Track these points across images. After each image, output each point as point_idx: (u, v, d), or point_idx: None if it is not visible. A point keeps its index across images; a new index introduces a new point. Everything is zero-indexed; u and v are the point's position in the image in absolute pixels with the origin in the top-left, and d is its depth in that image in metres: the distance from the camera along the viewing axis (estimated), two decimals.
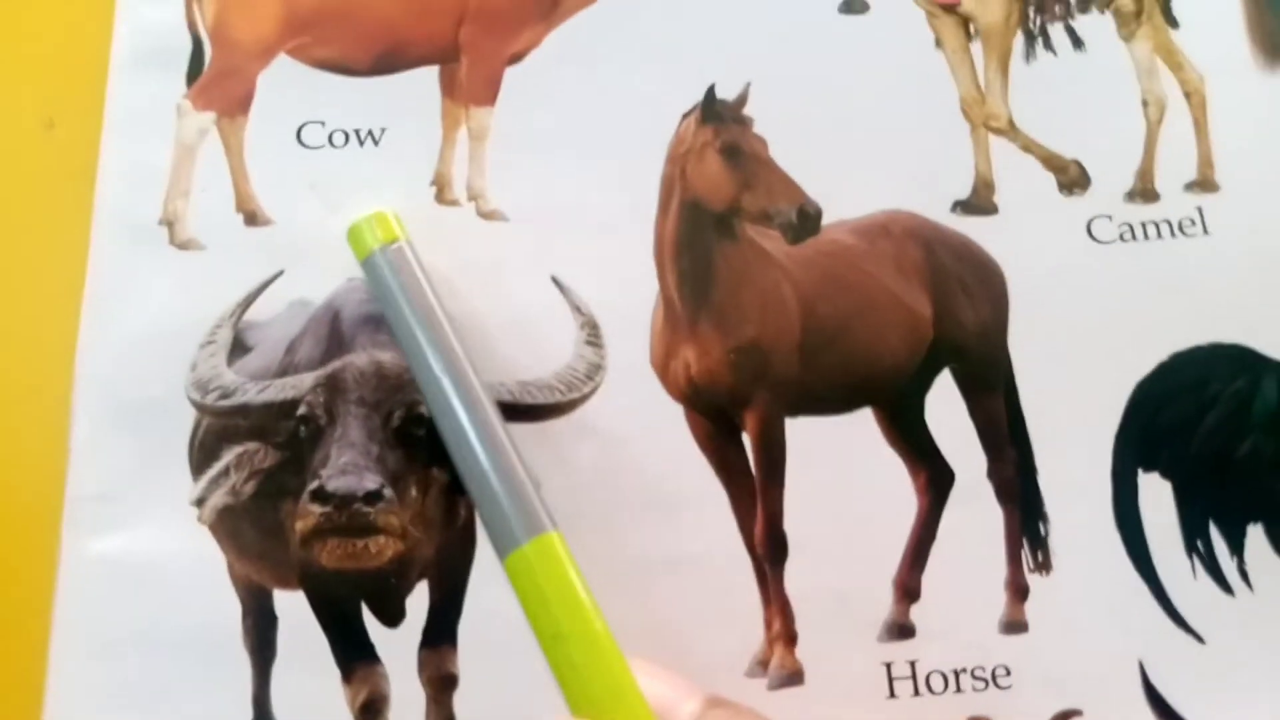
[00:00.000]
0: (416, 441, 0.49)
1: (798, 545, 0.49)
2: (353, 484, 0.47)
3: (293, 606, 0.48)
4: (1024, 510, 0.50)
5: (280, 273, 0.52)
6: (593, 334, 0.51)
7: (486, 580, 0.48)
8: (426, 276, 0.48)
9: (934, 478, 0.50)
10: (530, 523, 0.41)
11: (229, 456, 0.49)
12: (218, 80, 0.56)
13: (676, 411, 0.51)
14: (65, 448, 0.50)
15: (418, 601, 0.48)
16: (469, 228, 0.53)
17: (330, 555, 0.47)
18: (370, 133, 0.55)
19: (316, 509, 0.47)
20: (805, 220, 0.52)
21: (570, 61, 0.56)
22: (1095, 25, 0.58)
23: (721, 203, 0.52)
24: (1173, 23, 0.59)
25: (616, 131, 0.55)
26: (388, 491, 0.47)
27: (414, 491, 0.48)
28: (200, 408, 0.50)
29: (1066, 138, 0.56)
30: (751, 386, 0.51)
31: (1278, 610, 0.49)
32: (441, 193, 0.54)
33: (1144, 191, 0.55)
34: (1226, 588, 0.50)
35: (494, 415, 0.45)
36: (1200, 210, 0.55)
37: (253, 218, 0.54)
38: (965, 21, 0.58)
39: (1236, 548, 0.50)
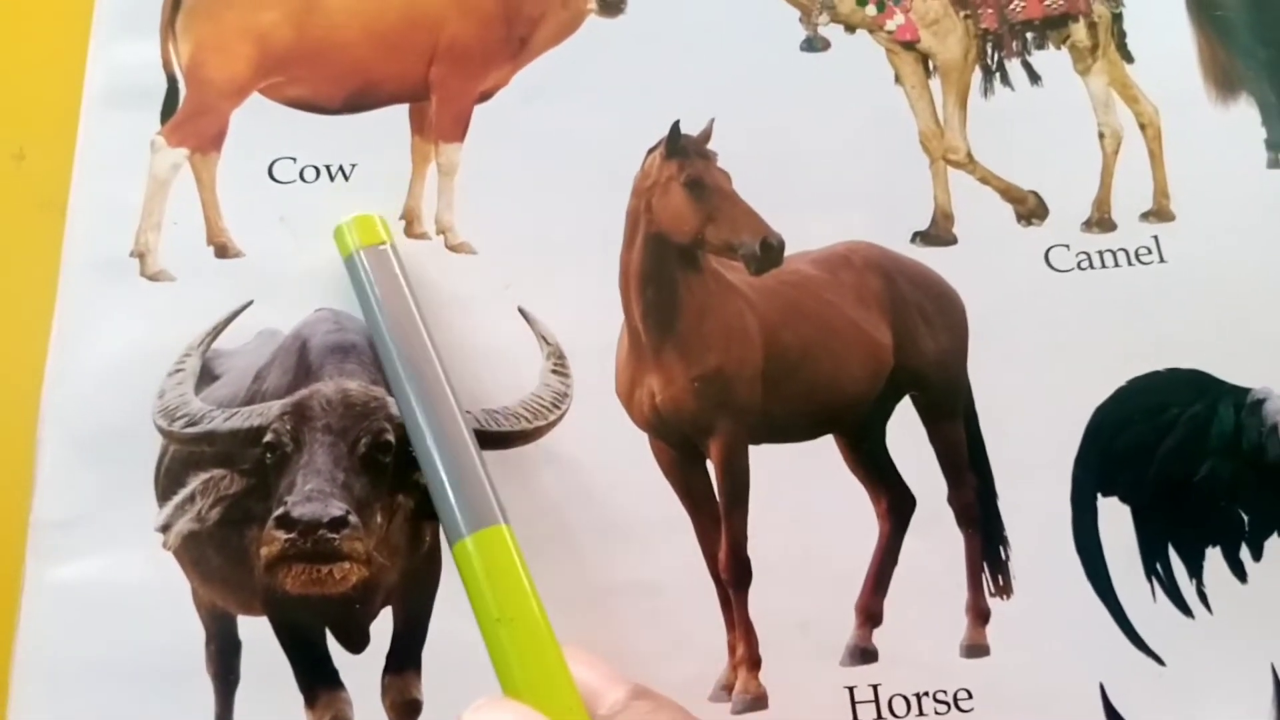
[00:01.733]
0: (382, 468, 0.49)
1: (761, 571, 0.49)
2: (318, 510, 0.48)
3: (256, 632, 0.48)
4: (985, 535, 0.51)
5: (249, 303, 0.53)
6: (559, 363, 0.52)
7: (451, 605, 0.48)
8: (407, 279, 0.49)
9: (895, 503, 0.51)
10: (479, 516, 0.42)
11: (195, 483, 0.50)
12: (192, 118, 0.57)
13: (641, 439, 0.51)
14: (31, 475, 0.50)
15: (381, 627, 0.49)
16: (438, 260, 0.54)
17: (295, 581, 0.47)
18: (341, 168, 0.56)
19: (282, 535, 0.47)
20: (768, 251, 0.53)
21: (537, 99, 0.57)
22: (1052, 61, 0.60)
23: (686, 235, 0.53)
24: (1128, 57, 0.60)
25: (582, 166, 0.56)
26: (353, 518, 0.48)
27: (379, 518, 0.49)
28: (167, 435, 0.50)
29: (1025, 169, 0.57)
30: (715, 415, 0.51)
31: (1236, 632, 0.50)
32: (411, 226, 0.55)
33: (1101, 221, 0.56)
34: (1186, 610, 0.50)
35: (458, 413, 0.46)
36: (1156, 239, 0.56)
37: (223, 250, 0.55)
38: (924, 58, 0.60)
39: (1195, 571, 0.51)
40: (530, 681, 0.40)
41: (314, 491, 0.48)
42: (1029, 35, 0.60)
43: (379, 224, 0.51)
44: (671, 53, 0.59)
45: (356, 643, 0.48)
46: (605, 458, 0.50)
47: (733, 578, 0.49)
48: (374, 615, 0.49)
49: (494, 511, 0.43)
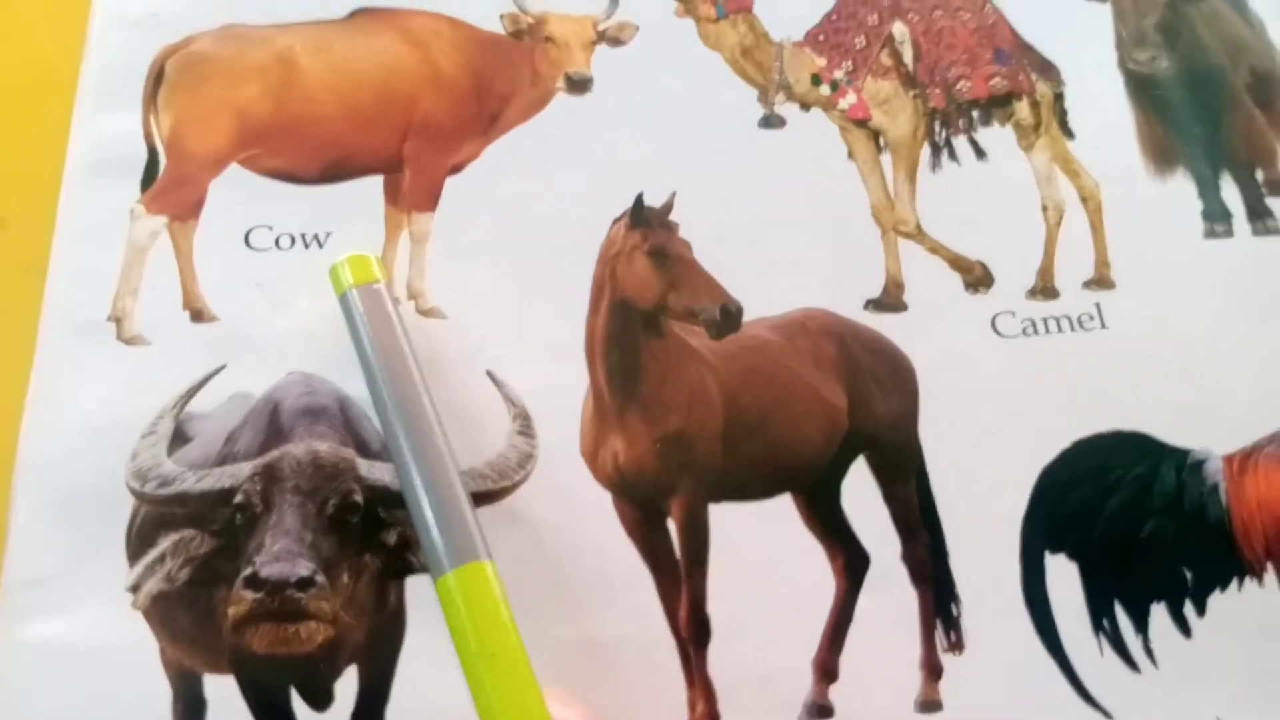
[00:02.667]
0: (350, 528, 0.50)
1: (721, 628, 0.51)
2: (286, 570, 0.48)
3: (222, 691, 0.49)
4: (937, 592, 0.52)
5: (223, 366, 0.54)
6: (525, 425, 0.53)
7: (415, 664, 0.49)
8: (399, 318, 0.50)
9: (850, 561, 0.52)
10: (462, 551, 0.43)
11: (165, 543, 0.50)
12: (171, 187, 0.59)
13: (605, 499, 0.53)
14: (3, 533, 0.51)
15: (346, 686, 0.49)
16: (410, 325, 0.55)
17: (261, 640, 0.48)
18: (316, 236, 0.58)
19: (250, 595, 0.48)
20: (728, 317, 0.55)
21: (507, 172, 0.60)
22: (997, 137, 0.63)
23: (649, 301, 0.55)
24: (1069, 134, 0.63)
25: (550, 236, 0.58)
26: (320, 578, 0.48)
27: (346, 578, 0.50)
28: (139, 496, 0.51)
29: (971, 240, 0.60)
30: (677, 475, 0.53)
31: (1182, 687, 0.51)
32: None
33: (1045, 289, 0.59)
34: (1133, 665, 0.52)
35: (444, 447, 0.46)
36: (1098, 306, 0.58)
37: (199, 315, 0.56)
38: (875, 135, 0.63)
39: (1141, 626, 0.52)
40: (509, 716, 0.40)
41: (282, 551, 0.49)
42: (975, 113, 0.63)
43: (374, 263, 0.53)
44: (636, 129, 0.61)
45: (321, 702, 0.49)
46: (569, 517, 0.52)
47: (693, 635, 0.50)
48: (339, 674, 0.49)
49: (477, 547, 0.44)
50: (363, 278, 0.52)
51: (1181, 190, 0.62)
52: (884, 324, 0.57)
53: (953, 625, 0.52)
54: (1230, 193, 0.62)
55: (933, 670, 0.51)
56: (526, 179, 0.59)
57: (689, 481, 0.53)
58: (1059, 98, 0.64)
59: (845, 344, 0.56)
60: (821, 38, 0.64)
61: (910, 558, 0.53)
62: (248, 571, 0.48)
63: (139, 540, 0.51)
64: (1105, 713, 0.50)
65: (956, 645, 0.51)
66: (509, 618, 0.42)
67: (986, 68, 0.64)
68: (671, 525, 0.52)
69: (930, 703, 0.50)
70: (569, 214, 0.58)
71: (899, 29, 0.65)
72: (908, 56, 0.64)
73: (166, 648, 0.50)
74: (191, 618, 0.50)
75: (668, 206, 0.57)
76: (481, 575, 0.43)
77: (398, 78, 0.62)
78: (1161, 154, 0.63)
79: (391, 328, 0.50)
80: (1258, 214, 0.62)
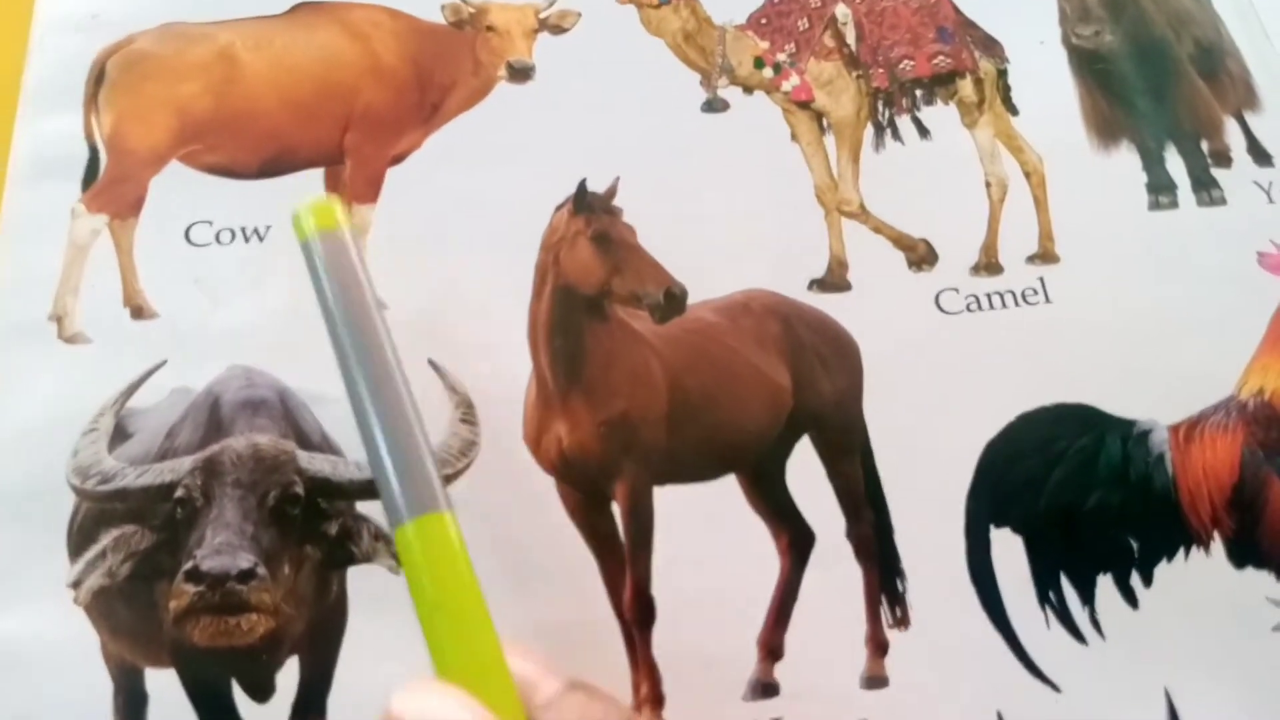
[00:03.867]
0: (290, 520, 0.50)
1: (665, 609, 0.50)
2: (226, 563, 0.48)
3: (164, 685, 0.48)
4: (882, 568, 0.52)
5: (163, 362, 0.54)
6: (467, 412, 0.53)
7: (357, 654, 0.49)
8: (363, 263, 0.47)
9: (795, 539, 0.52)
10: (421, 501, 0.41)
11: (106, 539, 0.50)
12: (111, 186, 0.59)
13: (548, 484, 0.52)
14: None
15: (288, 677, 0.49)
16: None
17: (203, 633, 0.48)
18: (256, 230, 0.57)
19: (190, 588, 0.48)
20: (671, 301, 0.54)
21: (450, 162, 0.60)
22: (940, 115, 0.63)
23: (593, 286, 0.55)
24: (1013, 110, 0.64)
25: (492, 224, 0.58)
26: (261, 570, 0.48)
27: (287, 569, 0.49)
28: (80, 493, 0.51)
29: (915, 218, 0.60)
30: (621, 457, 0.53)
31: (1130, 658, 0.51)
32: None
33: (989, 265, 0.59)
34: (1079, 637, 0.51)
35: (406, 394, 0.44)
36: (1042, 280, 0.58)
37: (139, 312, 0.56)
38: (819, 116, 0.63)
39: (1087, 598, 0.52)
40: (465, 667, 0.39)
41: (223, 544, 0.49)
42: (918, 92, 0.63)
43: (337, 209, 0.51)
44: (578, 116, 0.61)
45: (262, 693, 0.49)
46: (512, 503, 0.52)
47: (637, 617, 0.50)
48: (280, 665, 0.49)
49: (437, 498, 0.41)
50: (325, 224, 0.50)
51: (1126, 163, 0.62)
52: (828, 303, 0.57)
53: (898, 601, 0.51)
54: (1175, 164, 0.62)
55: (878, 646, 0.50)
56: (469, 168, 0.59)
57: (633, 464, 0.53)
58: (1002, 74, 0.64)
59: (789, 323, 0.56)
60: (764, 21, 0.64)
61: (855, 535, 0.52)
62: (189, 565, 0.48)
63: (80, 537, 0.51)
64: (1053, 685, 0.50)
65: (902, 621, 0.51)
66: (468, 570, 0.41)
67: (929, 46, 0.64)
68: (616, 509, 0.52)
69: (876, 678, 0.50)
70: (512, 202, 0.58)
71: (841, 10, 0.65)
72: (850, 38, 0.64)
73: (108, 642, 0.49)
74: (133, 612, 0.50)
75: (611, 192, 0.57)
76: (441, 526, 0.41)
77: (338, 70, 0.62)
78: (1106, 127, 0.63)
79: (354, 274, 0.48)
80: (1203, 184, 0.62)
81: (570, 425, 0.53)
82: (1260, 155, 0.63)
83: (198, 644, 0.48)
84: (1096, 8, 0.66)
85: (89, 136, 0.60)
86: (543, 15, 0.63)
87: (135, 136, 0.60)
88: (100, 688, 0.48)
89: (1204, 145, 0.63)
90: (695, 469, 0.53)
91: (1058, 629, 0.51)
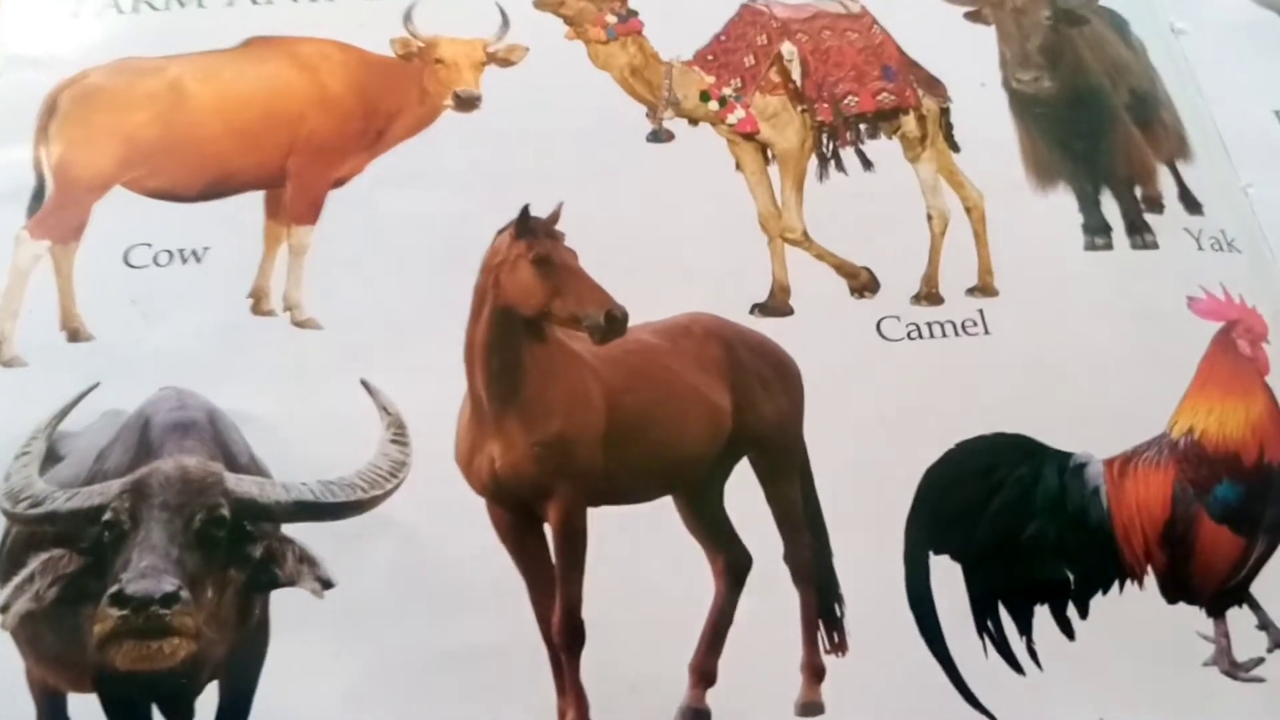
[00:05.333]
0: (216, 543, 0.49)
1: (595, 633, 0.50)
2: (151, 587, 0.47)
3: (86, 709, 0.47)
4: (820, 593, 0.51)
5: (96, 384, 0.53)
6: (398, 433, 0.52)
7: (277, 677, 0.48)
8: None
9: (731, 563, 0.52)
10: None
11: (35, 563, 0.49)
12: (55, 212, 0.59)
13: (479, 506, 0.52)
14: None
15: (207, 701, 0.48)
16: (282, 336, 0.55)
17: (125, 657, 0.47)
18: (194, 252, 0.57)
19: (115, 612, 0.47)
20: (612, 322, 0.54)
21: (392, 184, 0.60)
22: (884, 149, 0.64)
23: (532, 308, 0.54)
24: (955, 147, 0.64)
25: (432, 247, 0.58)
26: (184, 594, 0.47)
27: (210, 592, 0.48)
28: (10, 516, 0.50)
29: (858, 247, 0.60)
30: (555, 478, 0.52)
31: (1066, 688, 0.50)
32: (258, 304, 0.56)
33: (929, 295, 0.59)
34: (1017, 667, 0.51)
35: None
36: (981, 312, 0.59)
37: (75, 334, 0.56)
38: (763, 147, 0.63)
39: (1025, 628, 0.52)
40: None
41: (148, 568, 0.48)
42: (862, 127, 0.64)
43: None
44: (524, 145, 0.61)
45: (182, 717, 0.48)
46: (442, 525, 0.51)
47: (565, 641, 0.49)
48: (200, 689, 0.48)
49: None
50: None
51: (1063, 204, 0.63)
52: (771, 327, 0.57)
53: (836, 626, 0.51)
54: (1110, 208, 0.63)
55: (815, 672, 0.50)
56: (411, 192, 0.60)
57: (567, 485, 0.52)
58: (945, 112, 0.65)
59: (730, 346, 0.56)
60: (711, 57, 0.65)
61: (793, 558, 0.52)
62: (114, 589, 0.47)
63: (9, 561, 0.50)
64: (989, 714, 0.49)
65: (839, 647, 0.50)
66: None
67: (874, 84, 0.65)
68: (548, 530, 0.51)
69: (811, 705, 0.49)
70: (453, 226, 0.58)
71: (788, 48, 0.66)
72: (796, 74, 0.65)
73: (32, 667, 0.48)
74: (58, 637, 0.49)
75: (554, 217, 0.57)
76: None
77: (284, 98, 0.62)
78: (1043, 169, 0.64)
79: None
80: (1136, 229, 0.63)
81: (504, 446, 0.52)
82: (1191, 204, 0.64)
83: (120, 668, 0.47)
84: (1036, 55, 0.68)
85: (37, 166, 0.60)
86: (491, 49, 0.64)
87: (81, 164, 0.60)
88: (22, 713, 0.47)
89: (1137, 191, 0.64)
90: (632, 490, 0.53)
91: (995, 658, 0.51)
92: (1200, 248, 0.62)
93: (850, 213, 0.61)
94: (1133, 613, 0.52)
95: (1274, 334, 0.59)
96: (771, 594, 0.51)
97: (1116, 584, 0.53)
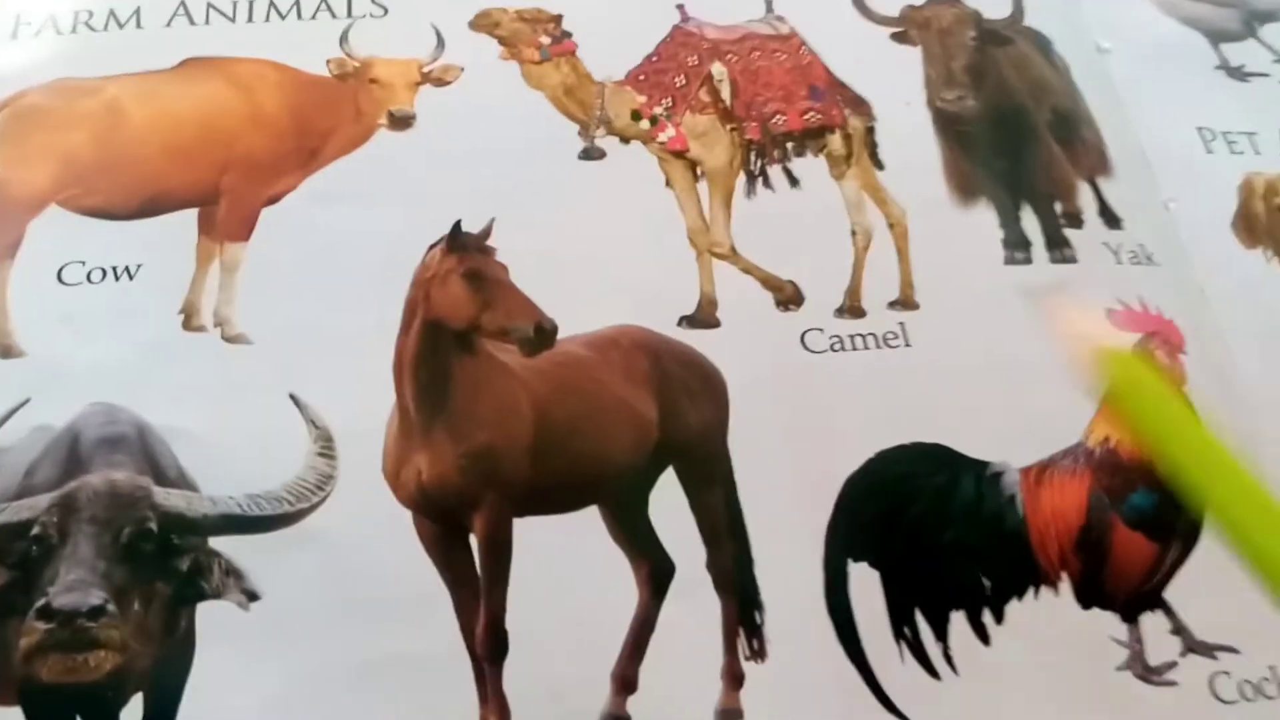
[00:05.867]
0: (144, 556, 0.49)
1: (519, 642, 0.50)
2: (77, 600, 0.47)
3: None
4: (741, 600, 0.52)
5: (27, 400, 0.54)
6: (325, 446, 0.53)
7: (202, 691, 0.48)
8: None
9: (655, 570, 0.52)
10: None
11: None
12: None
13: (405, 517, 0.52)
14: None
15: (131, 714, 0.48)
16: (213, 352, 0.56)
17: (50, 670, 0.47)
18: (127, 269, 0.58)
19: (41, 626, 0.47)
20: (541, 335, 0.54)
21: (325, 202, 0.61)
22: (810, 167, 0.65)
23: (462, 321, 0.55)
24: (879, 165, 0.66)
25: (364, 263, 0.58)
26: (111, 606, 0.47)
27: (137, 605, 0.48)
28: None
29: (784, 262, 0.61)
30: (481, 489, 0.53)
31: (982, 694, 0.52)
32: (189, 320, 0.57)
33: (852, 308, 0.61)
34: (933, 673, 0.52)
35: None
36: (902, 325, 0.60)
37: (6, 351, 0.56)
38: (693, 165, 0.65)
39: (941, 634, 0.53)
40: None
41: (75, 582, 0.48)
42: (789, 145, 0.66)
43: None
44: (457, 163, 0.62)
45: None
46: (367, 537, 0.52)
47: (489, 651, 0.50)
48: (125, 702, 0.48)
49: None
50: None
51: (984, 220, 0.65)
52: (697, 339, 0.58)
53: (756, 633, 0.52)
54: (1030, 223, 0.65)
55: (734, 678, 0.51)
56: (344, 209, 0.60)
57: (493, 496, 0.53)
58: (870, 131, 0.67)
59: (658, 358, 0.57)
60: (642, 77, 0.67)
61: (715, 566, 0.53)
62: (41, 603, 0.47)
63: None
64: (904, 719, 0.50)
65: (759, 653, 0.51)
66: None
67: (801, 103, 0.67)
68: (474, 541, 0.52)
69: (730, 711, 0.50)
70: (384, 242, 0.59)
71: (718, 69, 0.67)
72: (726, 93, 0.67)
73: None
74: None
75: (485, 232, 0.58)
76: None
77: (220, 117, 0.63)
78: (965, 185, 0.66)
79: None
80: (1055, 243, 0.64)
81: (431, 458, 0.53)
82: (1111, 219, 0.66)
83: (44, 681, 0.47)
84: (960, 74, 0.69)
85: None
86: (426, 69, 0.65)
87: (17, 183, 0.61)
88: None
89: (1058, 206, 0.66)
90: (559, 500, 0.53)
91: (912, 664, 0.52)
92: (1119, 261, 0.64)
93: (777, 228, 0.63)
94: (1048, 618, 0.53)
95: (1191, 345, 0.61)
96: (693, 601, 0.52)
97: (1032, 590, 0.54)
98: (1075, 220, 0.66)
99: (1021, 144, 0.68)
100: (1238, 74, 0.75)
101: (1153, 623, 0.54)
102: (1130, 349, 0.53)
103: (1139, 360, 0.51)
